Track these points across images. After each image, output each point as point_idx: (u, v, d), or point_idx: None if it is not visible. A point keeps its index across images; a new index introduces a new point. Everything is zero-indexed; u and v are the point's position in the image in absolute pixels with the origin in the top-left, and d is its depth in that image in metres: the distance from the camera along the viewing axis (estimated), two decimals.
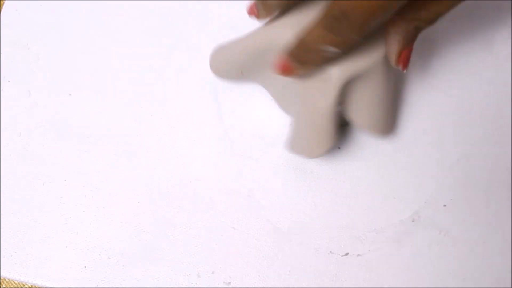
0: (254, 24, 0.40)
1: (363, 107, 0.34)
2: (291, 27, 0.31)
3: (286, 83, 0.33)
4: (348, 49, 0.29)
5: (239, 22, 0.39)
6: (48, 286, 0.35)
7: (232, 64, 0.35)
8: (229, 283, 0.35)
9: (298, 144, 0.35)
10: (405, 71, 0.32)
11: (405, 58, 0.31)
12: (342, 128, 0.37)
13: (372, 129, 0.35)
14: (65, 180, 0.37)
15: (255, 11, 0.32)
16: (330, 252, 0.36)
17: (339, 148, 0.37)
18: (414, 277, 0.36)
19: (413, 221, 0.36)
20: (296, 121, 0.35)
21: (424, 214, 0.37)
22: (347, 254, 0.36)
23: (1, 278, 0.37)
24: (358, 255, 0.36)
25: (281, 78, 0.32)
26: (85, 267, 0.35)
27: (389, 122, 0.36)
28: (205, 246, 0.36)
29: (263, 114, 0.38)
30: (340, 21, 0.27)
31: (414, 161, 0.37)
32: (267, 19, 0.33)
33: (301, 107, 0.33)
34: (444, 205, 0.37)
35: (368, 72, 0.31)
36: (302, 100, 0.33)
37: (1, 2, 0.42)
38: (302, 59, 0.30)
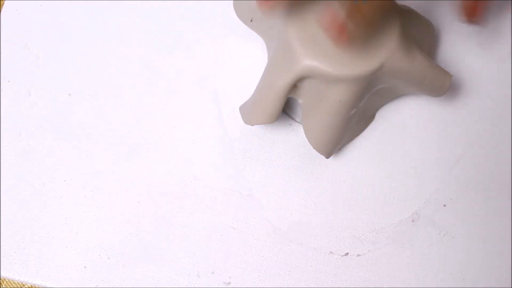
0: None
1: (313, 117, 0.34)
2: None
3: (278, 49, 0.33)
4: None
5: (239, 22, 0.39)
6: (48, 286, 0.35)
7: (246, 9, 0.36)
8: (229, 283, 0.35)
9: (246, 108, 0.35)
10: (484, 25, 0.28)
11: (477, 9, 0.27)
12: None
13: (311, 142, 0.35)
14: (65, 180, 0.37)
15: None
16: (330, 252, 0.36)
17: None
18: (414, 277, 0.36)
19: (413, 221, 0.36)
20: (257, 85, 0.35)
21: (424, 214, 0.37)
22: (347, 254, 0.36)
23: (1, 278, 0.37)
24: (358, 255, 0.36)
25: (277, 40, 0.33)
26: (85, 267, 0.35)
27: (329, 145, 0.35)
28: (205, 246, 0.36)
29: None
30: None
31: (414, 161, 0.37)
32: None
33: (264, 75, 0.34)
34: (444, 205, 0.37)
35: (332, 86, 0.31)
36: (268, 70, 0.33)
37: (1, 2, 0.42)
38: None
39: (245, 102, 0.36)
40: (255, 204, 0.37)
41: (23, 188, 0.37)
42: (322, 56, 0.31)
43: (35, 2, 0.41)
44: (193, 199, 0.37)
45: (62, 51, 0.40)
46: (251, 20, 0.36)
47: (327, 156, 0.35)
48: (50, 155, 0.37)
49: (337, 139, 0.34)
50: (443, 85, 0.35)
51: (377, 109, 0.38)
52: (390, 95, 0.37)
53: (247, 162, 0.37)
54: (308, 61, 0.31)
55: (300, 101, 0.34)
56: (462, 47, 0.40)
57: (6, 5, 0.41)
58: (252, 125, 0.35)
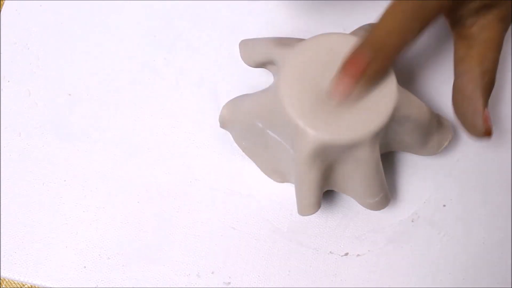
0: (253, 25, 0.40)
1: (351, 187, 0.33)
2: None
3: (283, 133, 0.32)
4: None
5: (239, 22, 0.39)
6: (48, 286, 0.35)
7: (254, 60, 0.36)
8: (229, 283, 0.35)
9: (296, 197, 0.34)
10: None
11: (489, 120, 0.29)
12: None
13: (365, 206, 0.34)
14: (65, 180, 0.37)
15: None
16: (330, 252, 0.36)
17: None
18: (413, 277, 0.36)
19: (412, 221, 0.36)
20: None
21: (423, 214, 0.37)
22: (347, 254, 0.36)
23: (1, 278, 0.37)
24: (358, 255, 0.36)
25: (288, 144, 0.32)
26: (85, 267, 0.36)
27: (379, 200, 0.34)
28: (205, 246, 0.36)
29: None
30: None
31: (414, 161, 0.37)
32: None
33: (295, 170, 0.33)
34: (444, 205, 0.37)
35: (350, 150, 0.30)
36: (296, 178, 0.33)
37: (1, 2, 0.42)
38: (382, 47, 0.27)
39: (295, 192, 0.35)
40: (255, 204, 0.37)
41: (23, 188, 0.37)
42: (332, 128, 0.29)
43: (35, 2, 0.41)
44: (193, 199, 0.37)
45: (62, 51, 0.40)
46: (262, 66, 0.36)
47: (387, 203, 0.34)
48: (50, 155, 0.37)
49: (383, 184, 0.33)
50: (447, 130, 0.35)
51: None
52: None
53: (247, 162, 0.37)
54: (319, 136, 0.29)
55: (335, 189, 0.34)
56: None
57: (6, 5, 0.41)
58: (305, 215, 0.34)
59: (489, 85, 0.30)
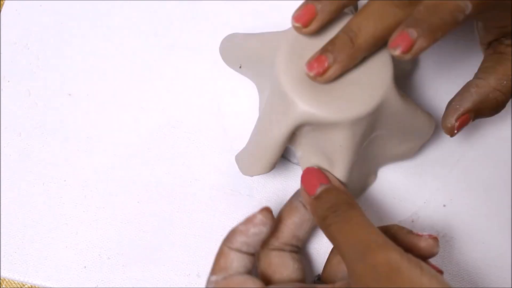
0: (253, 24, 0.40)
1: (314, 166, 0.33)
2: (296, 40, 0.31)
3: (271, 98, 0.32)
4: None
5: (239, 22, 0.39)
6: (48, 286, 0.35)
7: (234, 56, 0.36)
8: None
9: (243, 158, 0.34)
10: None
11: (461, 122, 0.31)
12: None
13: None
14: (65, 180, 0.37)
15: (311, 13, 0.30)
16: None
17: None
18: None
19: (412, 221, 0.36)
20: (252, 135, 0.34)
21: (423, 214, 0.37)
22: None
23: (1, 278, 0.37)
24: None
25: (269, 87, 0.32)
26: (85, 267, 0.35)
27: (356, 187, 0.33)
28: (205, 246, 0.36)
29: None
30: None
31: (414, 161, 0.37)
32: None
33: (259, 124, 0.33)
34: (444, 205, 0.37)
35: (332, 131, 0.30)
36: (263, 120, 0.32)
37: (1, 2, 0.42)
38: (432, 26, 0.27)
39: (241, 152, 0.35)
40: (255, 204, 0.37)
41: (23, 188, 0.37)
42: (319, 102, 0.29)
43: (35, 2, 0.41)
44: (193, 199, 0.37)
45: (62, 51, 0.40)
46: (240, 67, 0.36)
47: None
48: (50, 155, 0.37)
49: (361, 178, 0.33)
50: (429, 128, 0.34)
51: (376, 167, 0.37)
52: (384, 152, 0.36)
53: None
54: (304, 108, 0.29)
55: (299, 153, 0.33)
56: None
57: (6, 5, 0.41)
58: (252, 176, 0.34)
59: (490, 103, 0.31)
